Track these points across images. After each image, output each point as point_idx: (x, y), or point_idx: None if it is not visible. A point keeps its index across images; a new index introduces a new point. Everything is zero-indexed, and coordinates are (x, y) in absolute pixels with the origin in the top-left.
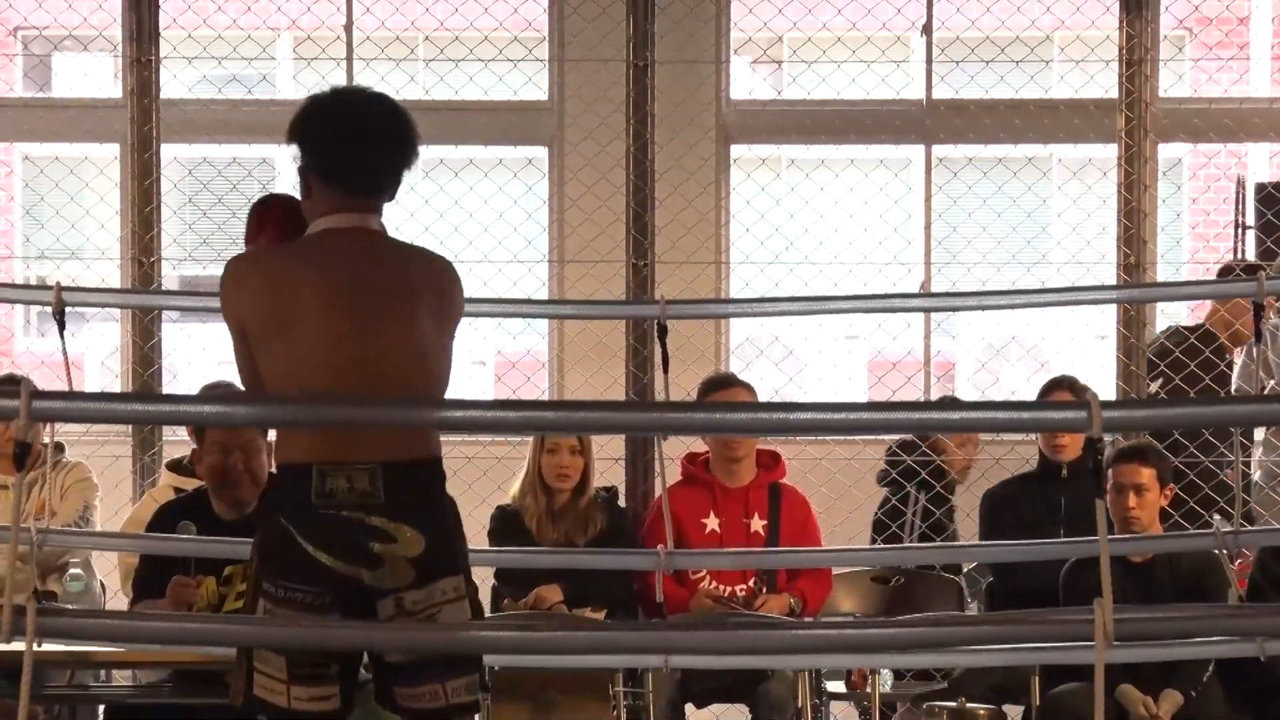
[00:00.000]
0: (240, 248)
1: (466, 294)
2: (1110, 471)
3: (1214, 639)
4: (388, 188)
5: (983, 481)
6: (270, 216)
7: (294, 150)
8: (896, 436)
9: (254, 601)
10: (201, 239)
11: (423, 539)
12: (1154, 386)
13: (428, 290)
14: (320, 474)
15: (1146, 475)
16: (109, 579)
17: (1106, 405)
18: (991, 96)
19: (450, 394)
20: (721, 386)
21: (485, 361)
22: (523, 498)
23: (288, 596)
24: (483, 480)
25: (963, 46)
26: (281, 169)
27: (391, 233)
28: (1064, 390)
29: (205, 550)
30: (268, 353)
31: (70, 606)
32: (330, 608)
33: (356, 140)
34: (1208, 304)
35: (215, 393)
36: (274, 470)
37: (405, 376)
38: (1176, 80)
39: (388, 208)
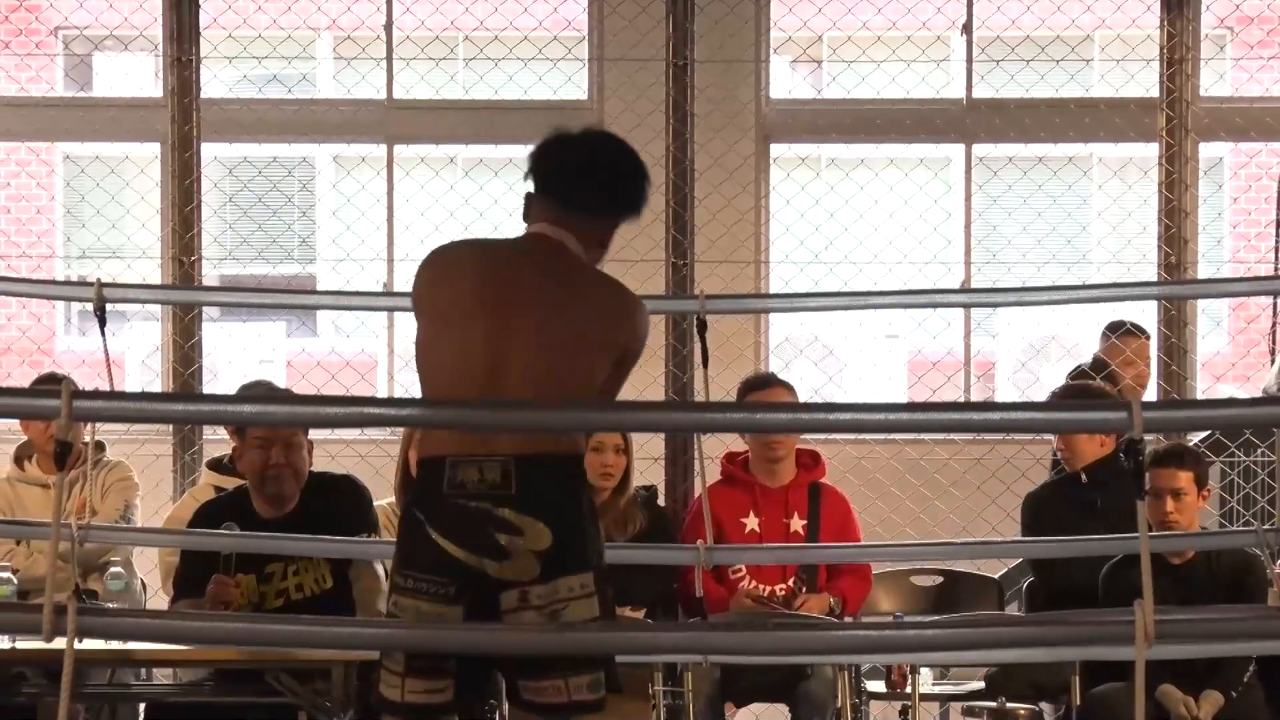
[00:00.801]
0: (282, 247)
1: None
2: (1147, 475)
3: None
4: (593, 209)
5: (1024, 483)
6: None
7: (527, 177)
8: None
9: (389, 594)
10: (242, 238)
11: (550, 534)
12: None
13: (596, 313)
14: (453, 465)
15: (1184, 479)
16: (149, 578)
17: (1148, 406)
18: (1032, 95)
19: None
20: (762, 386)
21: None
22: None
23: (415, 587)
24: None
25: (1003, 45)
26: (321, 168)
27: (430, 232)
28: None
29: (245, 547)
30: (425, 338)
31: (111, 605)
32: (454, 599)
33: (589, 161)
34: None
35: (254, 392)
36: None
37: (532, 378)
38: (1218, 79)
39: (433, 209)
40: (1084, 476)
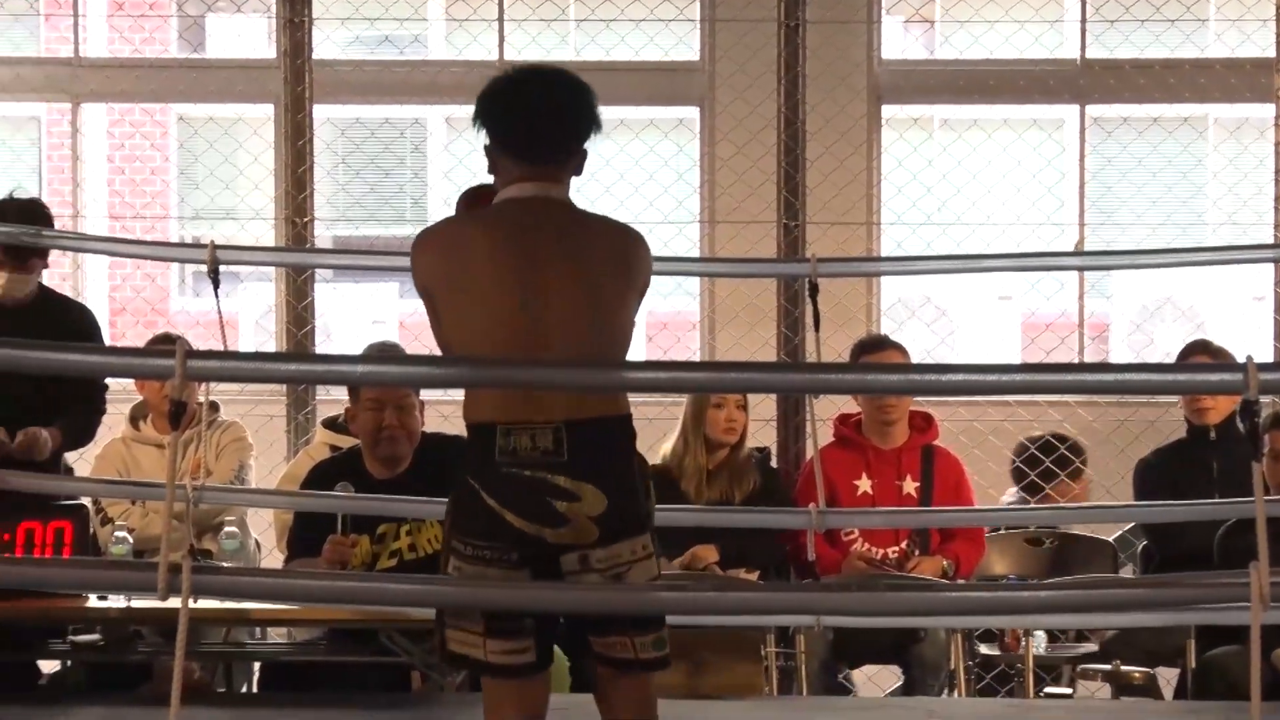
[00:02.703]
0: (395, 208)
1: None
2: (1266, 437)
3: None
4: (564, 158)
5: (1138, 445)
6: (481, 204)
7: (480, 131)
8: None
9: (445, 560)
10: (354, 199)
11: (605, 498)
12: None
13: (608, 257)
14: (504, 433)
15: None
16: (263, 537)
17: (1263, 367)
18: (1146, 55)
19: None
20: (875, 348)
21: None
22: (679, 456)
23: (476, 554)
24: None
25: (1117, 5)
26: (433, 130)
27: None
28: (1201, 354)
29: (359, 508)
30: (449, 316)
31: (225, 564)
32: (518, 564)
33: (529, 112)
34: None
35: (367, 352)
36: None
37: (576, 339)
38: None
39: None
40: (1213, 434)
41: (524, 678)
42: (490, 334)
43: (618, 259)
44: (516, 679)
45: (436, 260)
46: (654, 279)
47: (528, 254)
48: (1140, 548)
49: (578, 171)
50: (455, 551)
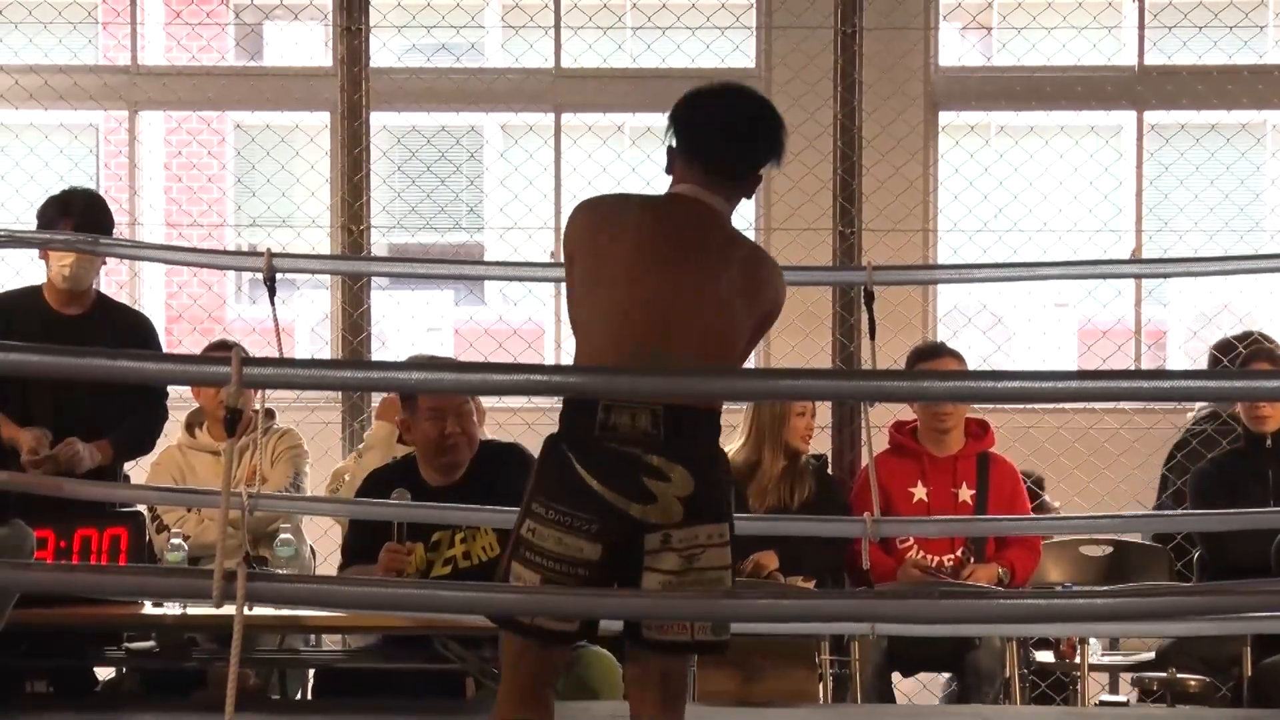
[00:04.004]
0: (450, 216)
1: None
2: None
3: None
4: (741, 175)
5: (1194, 452)
6: None
7: (670, 131)
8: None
9: (520, 520)
10: (410, 207)
11: (692, 481)
12: None
13: (741, 273)
14: (605, 409)
15: None
16: (319, 544)
17: None
18: (1204, 62)
19: None
20: (931, 356)
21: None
22: (749, 462)
23: (556, 519)
24: None
25: (1175, 11)
26: (489, 137)
27: (586, 192)
28: (1262, 362)
29: (415, 516)
30: (581, 288)
31: (281, 571)
32: (596, 536)
33: (726, 125)
34: None
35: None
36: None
37: (694, 337)
38: None
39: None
40: (1269, 441)
41: (561, 645)
42: (610, 316)
43: (748, 277)
44: (556, 645)
45: (588, 228)
46: None
47: (672, 251)
48: (1195, 556)
49: (748, 195)
50: (533, 514)
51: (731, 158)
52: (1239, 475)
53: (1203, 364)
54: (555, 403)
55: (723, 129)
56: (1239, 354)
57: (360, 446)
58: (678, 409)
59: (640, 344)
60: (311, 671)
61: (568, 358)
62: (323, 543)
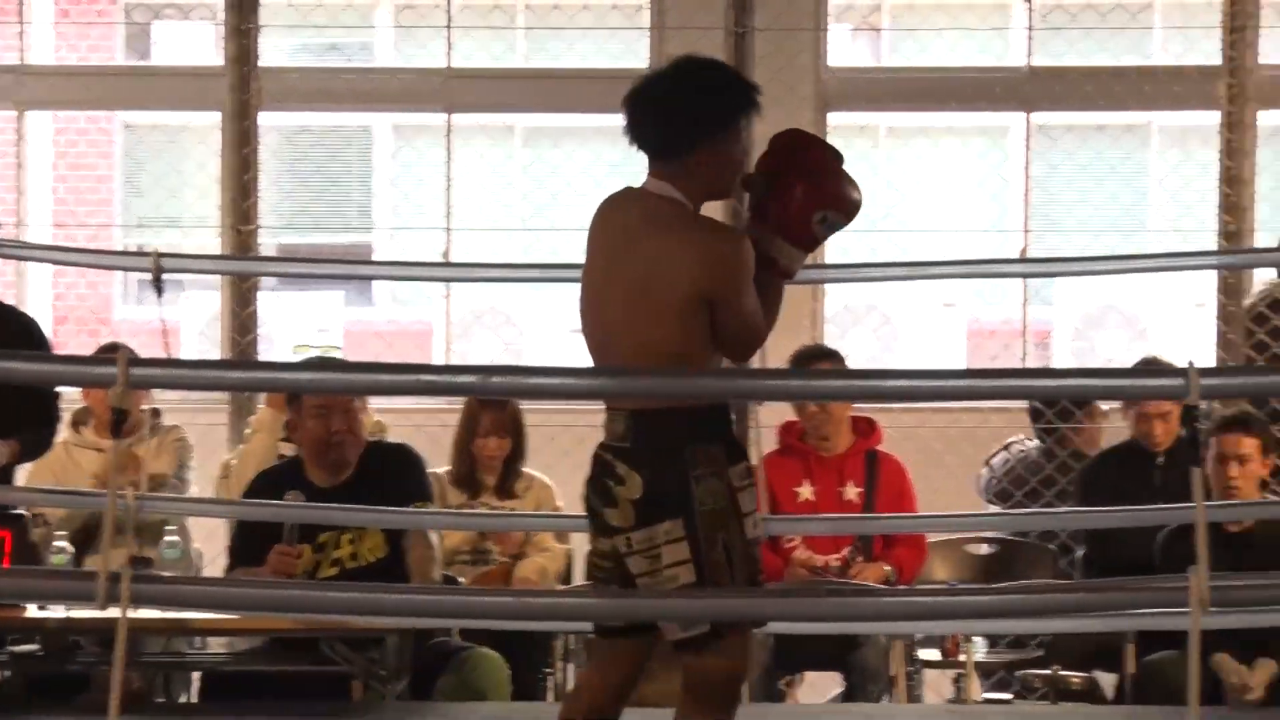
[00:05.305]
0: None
1: (564, 260)
2: (1213, 441)
3: None
4: (665, 154)
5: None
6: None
7: None
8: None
9: None
10: (300, 207)
11: (643, 484)
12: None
13: (653, 261)
14: (606, 415)
15: (1249, 445)
16: (205, 545)
17: (1205, 372)
18: (1092, 63)
19: (542, 362)
20: (812, 360)
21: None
22: None
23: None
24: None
25: (1064, 13)
26: (380, 137)
27: (487, 200)
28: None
29: (303, 517)
30: None
31: (166, 573)
32: (596, 535)
33: (632, 106)
34: None
35: (309, 360)
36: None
37: (620, 334)
38: (1278, 46)
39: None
40: (1161, 459)
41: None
42: (582, 323)
43: (663, 267)
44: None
45: (589, 230)
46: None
47: (601, 251)
48: (1080, 555)
49: (714, 179)
50: None
51: (649, 140)
52: (1124, 473)
53: (1089, 363)
54: (446, 403)
55: (632, 111)
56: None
57: (247, 432)
58: (644, 414)
59: (591, 345)
60: (197, 674)
61: (457, 358)
62: (208, 543)
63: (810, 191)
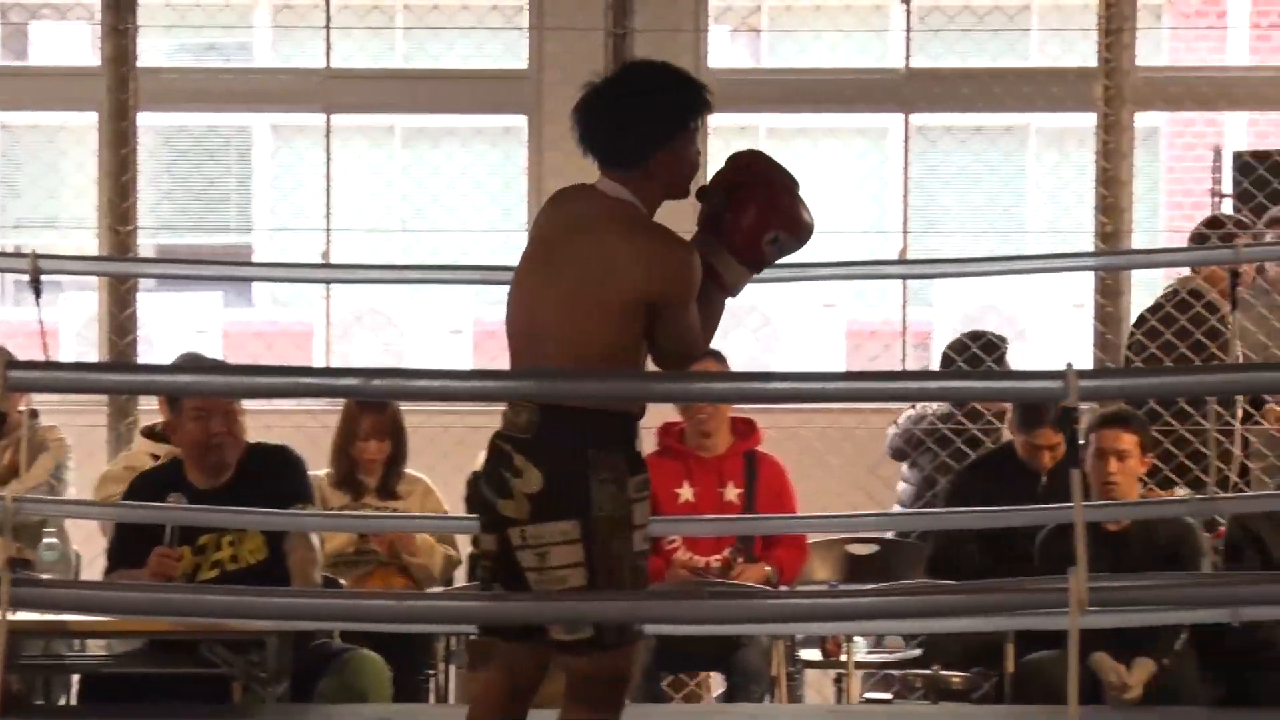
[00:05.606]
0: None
1: (444, 261)
2: (1092, 436)
3: (1188, 606)
4: (611, 162)
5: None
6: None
7: None
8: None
9: None
10: (178, 207)
11: (542, 480)
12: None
13: (592, 264)
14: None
15: (1128, 441)
16: (84, 547)
17: (1083, 374)
18: (970, 65)
19: (423, 363)
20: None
21: (462, 330)
22: None
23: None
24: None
25: (942, 15)
26: (259, 138)
27: (367, 200)
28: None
29: (184, 519)
30: None
31: (45, 576)
32: (487, 528)
33: (579, 111)
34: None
35: (189, 362)
36: None
37: (550, 335)
38: (1154, 49)
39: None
40: (1045, 479)
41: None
42: (508, 320)
43: (601, 270)
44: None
45: (533, 225)
46: (486, 288)
47: (540, 250)
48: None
49: (671, 181)
50: None
51: (603, 149)
52: (998, 477)
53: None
54: (326, 404)
55: (583, 120)
56: (972, 353)
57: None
58: (553, 410)
59: (514, 339)
60: (76, 677)
61: (337, 359)
62: (86, 546)
63: (764, 211)
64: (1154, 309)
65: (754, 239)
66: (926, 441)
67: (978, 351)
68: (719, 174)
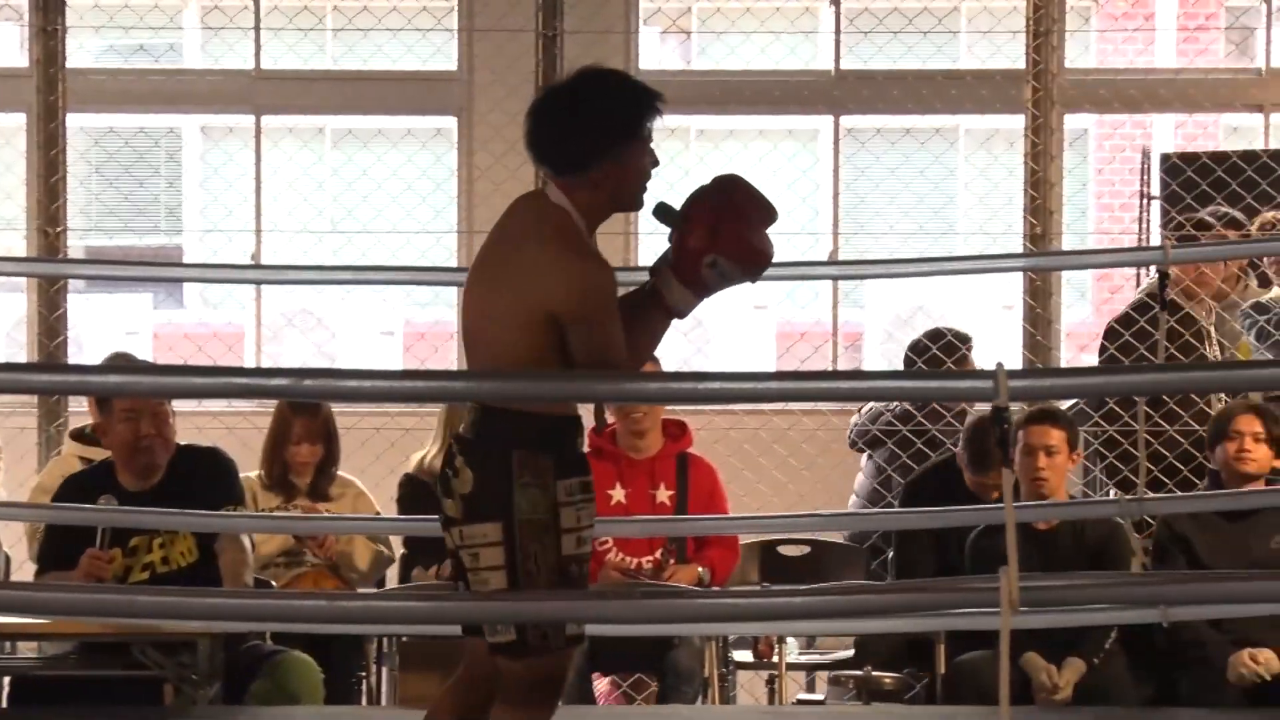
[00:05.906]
0: (149, 218)
1: (374, 262)
2: (1020, 433)
3: (1118, 606)
4: (543, 156)
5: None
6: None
7: None
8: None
9: None
10: (108, 209)
11: (473, 481)
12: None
13: (508, 277)
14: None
15: (1056, 437)
16: (14, 550)
17: (1013, 374)
18: (899, 67)
19: (354, 364)
20: None
21: (394, 331)
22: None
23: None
24: (390, 450)
25: (871, 17)
26: (188, 139)
27: (297, 202)
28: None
29: (118, 521)
30: None
31: None
32: (443, 525)
33: (529, 118)
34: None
35: (119, 363)
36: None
37: (478, 345)
38: (1083, 51)
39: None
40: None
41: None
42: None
43: (515, 283)
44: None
45: None
46: (417, 290)
47: (484, 250)
48: (889, 555)
49: (618, 190)
50: None
51: (550, 157)
52: (949, 487)
53: (898, 365)
54: (256, 405)
55: (533, 127)
56: (932, 353)
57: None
58: (491, 411)
59: (463, 343)
60: (6, 679)
61: (269, 360)
62: (16, 550)
63: (706, 235)
64: (1124, 320)
65: (694, 261)
66: (882, 439)
67: (938, 353)
68: (693, 193)
